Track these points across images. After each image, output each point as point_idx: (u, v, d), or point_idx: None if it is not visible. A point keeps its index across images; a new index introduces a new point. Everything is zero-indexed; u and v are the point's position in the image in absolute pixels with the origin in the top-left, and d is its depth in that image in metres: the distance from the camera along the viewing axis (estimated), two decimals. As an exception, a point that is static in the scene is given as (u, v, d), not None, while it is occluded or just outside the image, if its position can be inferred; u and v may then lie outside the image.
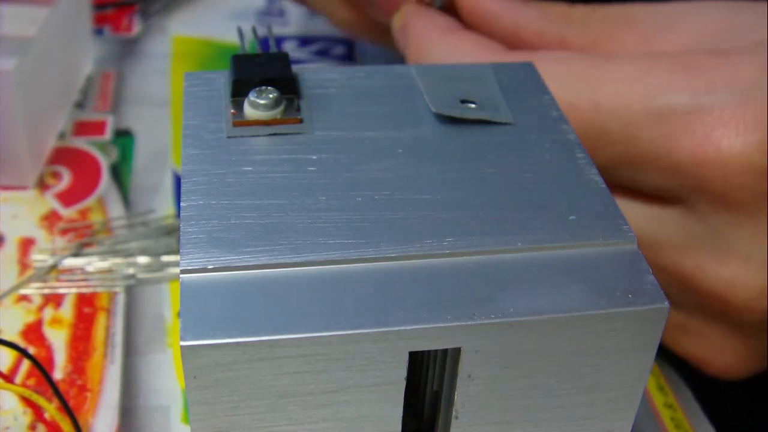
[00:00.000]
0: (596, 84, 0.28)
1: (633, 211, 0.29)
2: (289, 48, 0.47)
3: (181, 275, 0.20)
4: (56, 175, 0.37)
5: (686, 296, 0.29)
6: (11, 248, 0.33)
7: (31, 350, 0.29)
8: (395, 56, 0.47)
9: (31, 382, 0.28)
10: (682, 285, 0.29)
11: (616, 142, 0.28)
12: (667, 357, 0.32)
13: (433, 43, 0.33)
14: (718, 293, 0.28)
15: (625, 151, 0.28)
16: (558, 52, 0.30)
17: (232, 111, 0.24)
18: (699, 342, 0.30)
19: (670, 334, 0.31)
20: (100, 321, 0.31)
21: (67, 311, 0.31)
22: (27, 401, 0.27)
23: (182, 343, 0.18)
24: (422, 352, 0.20)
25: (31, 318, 0.31)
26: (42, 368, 0.27)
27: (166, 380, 0.29)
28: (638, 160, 0.28)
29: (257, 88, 0.24)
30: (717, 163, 0.27)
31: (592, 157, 0.28)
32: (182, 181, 0.22)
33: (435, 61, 0.32)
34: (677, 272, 0.29)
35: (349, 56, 0.47)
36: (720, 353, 0.30)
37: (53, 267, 0.33)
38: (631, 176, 0.29)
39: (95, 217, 0.35)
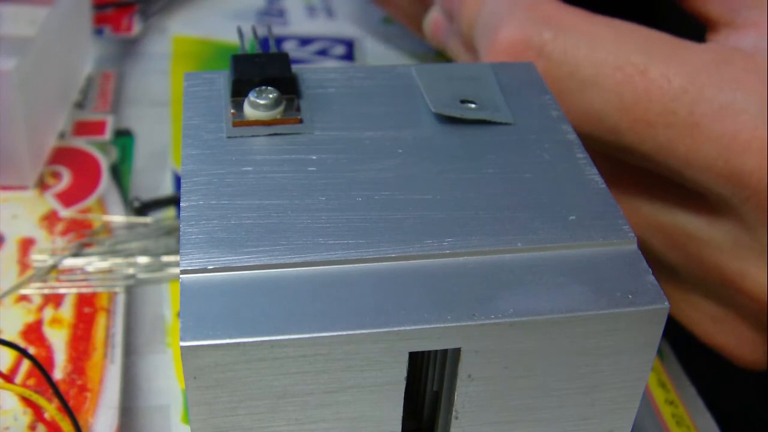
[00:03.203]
0: (669, 57, 0.27)
1: (683, 219, 0.29)
2: (289, 48, 0.47)
3: (181, 276, 0.20)
4: (56, 175, 0.37)
5: (723, 291, 0.30)
6: (11, 248, 0.33)
7: (31, 350, 0.29)
8: (394, 57, 0.47)
9: (31, 382, 0.28)
10: (722, 283, 0.30)
11: (677, 125, 0.27)
12: (672, 352, 0.32)
13: None
14: (756, 297, 0.29)
15: (683, 135, 0.27)
16: (630, 25, 0.29)
17: (232, 111, 0.24)
18: (728, 334, 0.31)
19: (700, 322, 0.32)
20: (100, 321, 0.31)
21: (67, 311, 0.31)
22: (27, 401, 0.27)
23: (182, 344, 0.18)
24: (422, 353, 0.20)
25: (31, 318, 0.31)
26: (42, 368, 0.27)
27: (166, 380, 0.29)
28: (698, 155, 0.27)
29: (257, 88, 0.24)
30: None
31: (647, 136, 0.27)
32: (182, 181, 0.22)
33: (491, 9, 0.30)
34: (721, 272, 0.29)
35: (349, 56, 0.47)
36: (749, 347, 0.31)
37: (53, 267, 0.33)
38: (682, 171, 0.28)
39: (95, 217, 0.35)
